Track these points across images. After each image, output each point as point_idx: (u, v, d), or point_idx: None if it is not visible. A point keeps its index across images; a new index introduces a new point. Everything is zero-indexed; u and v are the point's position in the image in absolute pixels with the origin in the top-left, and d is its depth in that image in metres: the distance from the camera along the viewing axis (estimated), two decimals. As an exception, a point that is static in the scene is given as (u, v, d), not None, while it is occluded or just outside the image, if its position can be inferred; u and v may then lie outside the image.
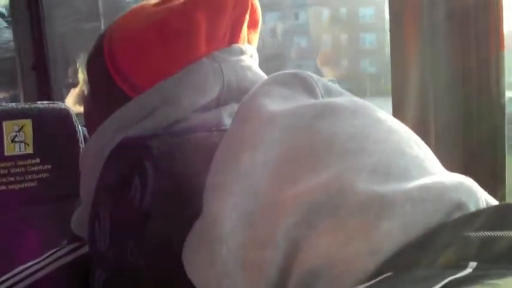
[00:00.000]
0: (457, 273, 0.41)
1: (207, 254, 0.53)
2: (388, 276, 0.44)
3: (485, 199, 0.51)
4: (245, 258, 0.51)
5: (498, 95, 0.85)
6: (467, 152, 0.86)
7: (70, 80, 1.89)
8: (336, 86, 0.65)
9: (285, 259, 0.50)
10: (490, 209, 0.50)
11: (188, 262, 0.56)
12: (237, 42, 0.74)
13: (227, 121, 0.70)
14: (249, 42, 0.77)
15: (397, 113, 0.91)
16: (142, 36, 0.71)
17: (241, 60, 0.73)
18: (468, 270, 0.42)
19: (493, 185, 0.84)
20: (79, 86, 1.79)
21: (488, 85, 0.85)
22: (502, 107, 0.85)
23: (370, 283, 0.44)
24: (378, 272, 0.45)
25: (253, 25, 0.78)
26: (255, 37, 0.79)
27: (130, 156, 0.64)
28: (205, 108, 0.70)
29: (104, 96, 0.75)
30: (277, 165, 0.53)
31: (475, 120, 0.86)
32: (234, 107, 0.69)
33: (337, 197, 0.50)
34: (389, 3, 0.92)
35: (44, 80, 1.76)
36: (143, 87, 0.70)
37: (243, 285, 0.51)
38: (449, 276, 0.41)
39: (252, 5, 0.76)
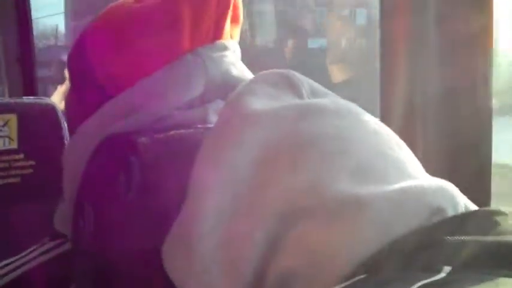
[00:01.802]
0: (430, 277, 0.41)
1: (186, 251, 0.53)
2: (361, 278, 0.45)
3: (464, 204, 0.51)
4: (223, 256, 0.51)
5: (486, 96, 0.85)
6: (452, 155, 0.86)
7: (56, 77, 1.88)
8: (321, 87, 0.65)
9: (262, 259, 0.50)
10: (468, 214, 0.50)
11: (168, 259, 0.56)
12: (220, 38, 0.74)
13: (213, 118, 0.70)
14: (231, 37, 0.77)
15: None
16: (125, 32, 0.71)
17: (225, 56, 0.73)
18: (442, 275, 0.42)
19: (477, 188, 0.84)
20: (65, 83, 1.78)
21: (475, 86, 0.86)
22: (489, 109, 0.86)
23: (342, 285, 0.44)
24: (353, 274, 0.45)
25: (234, 20, 0.77)
26: (237, 32, 0.79)
27: (115, 152, 0.64)
28: (191, 105, 0.70)
29: (85, 94, 0.74)
30: (259, 165, 0.53)
31: (462, 120, 0.87)
32: (219, 103, 0.69)
33: (316, 198, 0.50)
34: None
35: (30, 76, 1.75)
36: (126, 85, 0.70)
37: (221, 283, 0.51)
38: (422, 280, 0.41)
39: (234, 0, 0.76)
